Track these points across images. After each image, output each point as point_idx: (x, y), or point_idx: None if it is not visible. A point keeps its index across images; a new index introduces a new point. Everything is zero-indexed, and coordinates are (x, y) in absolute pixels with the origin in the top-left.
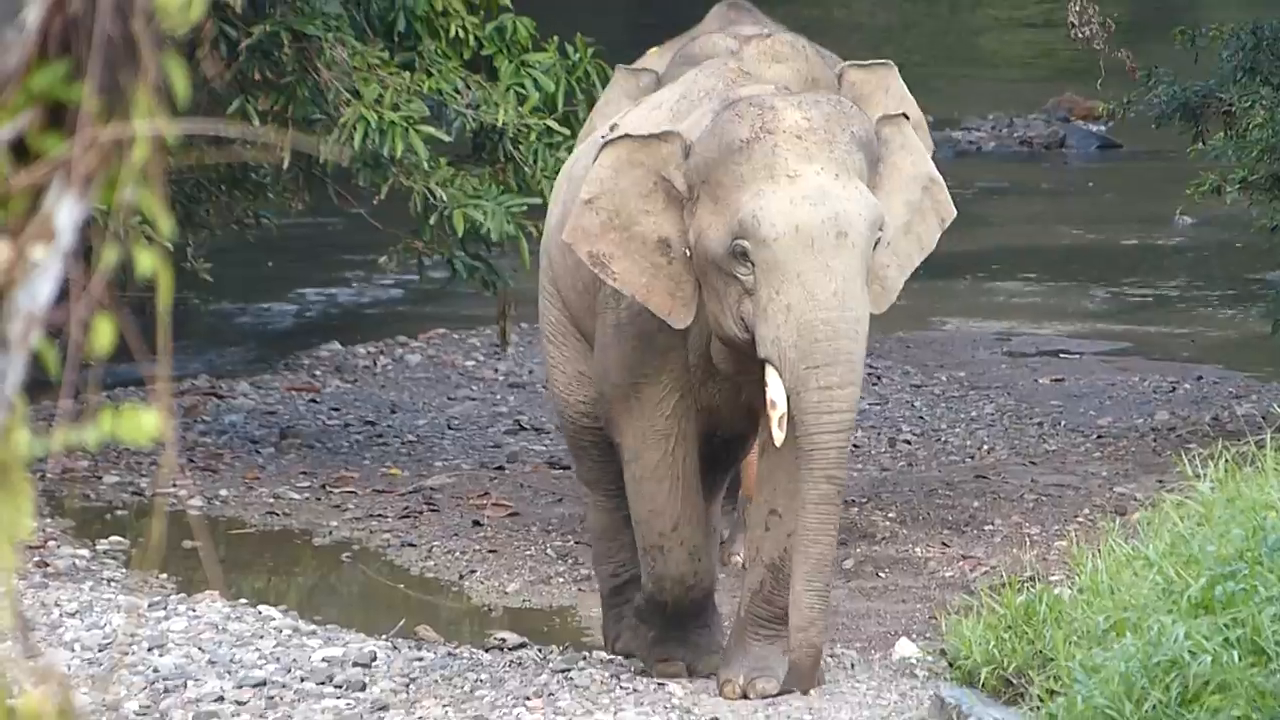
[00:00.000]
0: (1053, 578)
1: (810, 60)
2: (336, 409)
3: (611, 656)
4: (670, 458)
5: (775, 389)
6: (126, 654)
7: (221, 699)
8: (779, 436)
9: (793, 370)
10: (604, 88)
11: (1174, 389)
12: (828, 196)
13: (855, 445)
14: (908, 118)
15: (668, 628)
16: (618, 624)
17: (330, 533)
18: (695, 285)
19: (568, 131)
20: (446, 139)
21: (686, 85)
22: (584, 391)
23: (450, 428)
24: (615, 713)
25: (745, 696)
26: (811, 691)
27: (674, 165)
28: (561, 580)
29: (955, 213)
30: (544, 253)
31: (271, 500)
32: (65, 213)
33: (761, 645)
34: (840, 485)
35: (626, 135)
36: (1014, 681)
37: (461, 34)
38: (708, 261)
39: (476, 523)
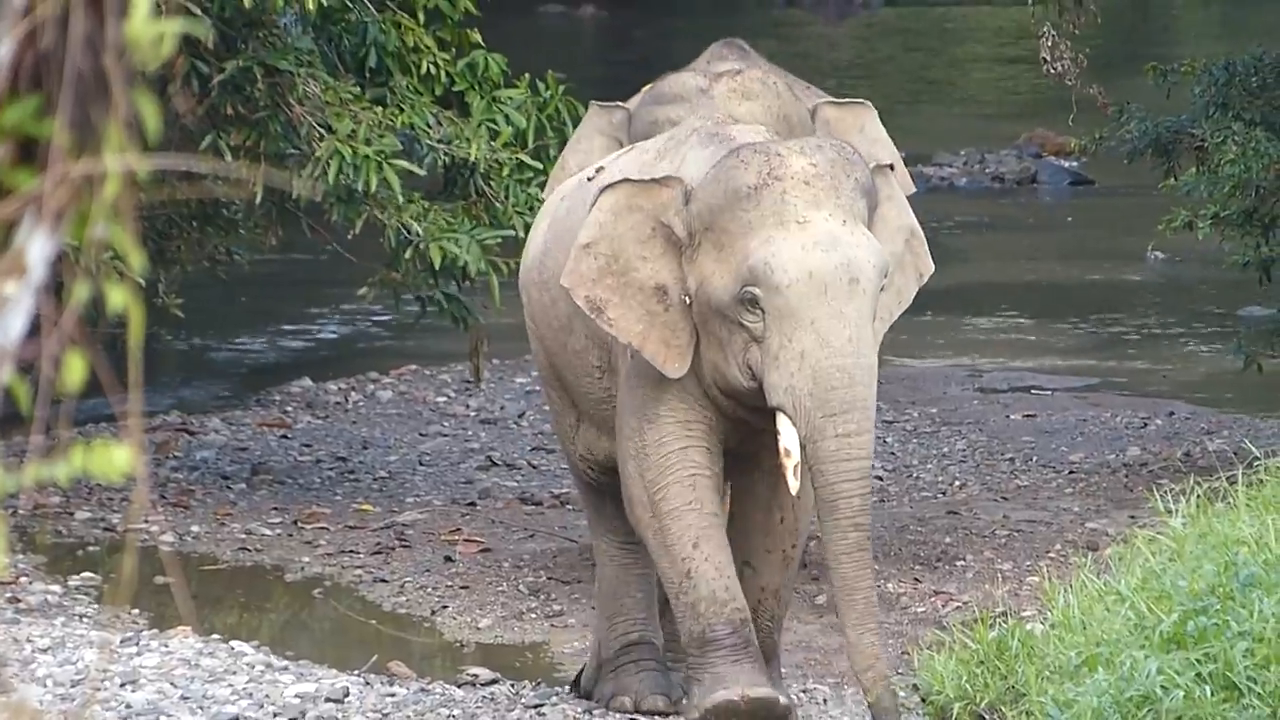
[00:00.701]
0: (1025, 613)
1: (781, 96)
2: (308, 445)
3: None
4: (689, 492)
5: (789, 438)
6: (99, 690)
7: None
8: (794, 485)
9: (808, 418)
10: (574, 124)
11: (1146, 425)
12: (839, 243)
13: None
14: (892, 168)
15: (719, 668)
16: (616, 681)
17: (302, 568)
18: (692, 333)
19: (540, 166)
20: (421, 173)
21: (675, 128)
22: (581, 439)
23: (422, 464)
24: None
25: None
26: None
27: (674, 211)
28: (534, 616)
29: (933, 268)
30: (523, 289)
31: (243, 536)
32: (36, 248)
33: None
34: (867, 531)
35: (626, 180)
36: (986, 717)
37: (433, 70)
38: (710, 309)
39: (448, 558)
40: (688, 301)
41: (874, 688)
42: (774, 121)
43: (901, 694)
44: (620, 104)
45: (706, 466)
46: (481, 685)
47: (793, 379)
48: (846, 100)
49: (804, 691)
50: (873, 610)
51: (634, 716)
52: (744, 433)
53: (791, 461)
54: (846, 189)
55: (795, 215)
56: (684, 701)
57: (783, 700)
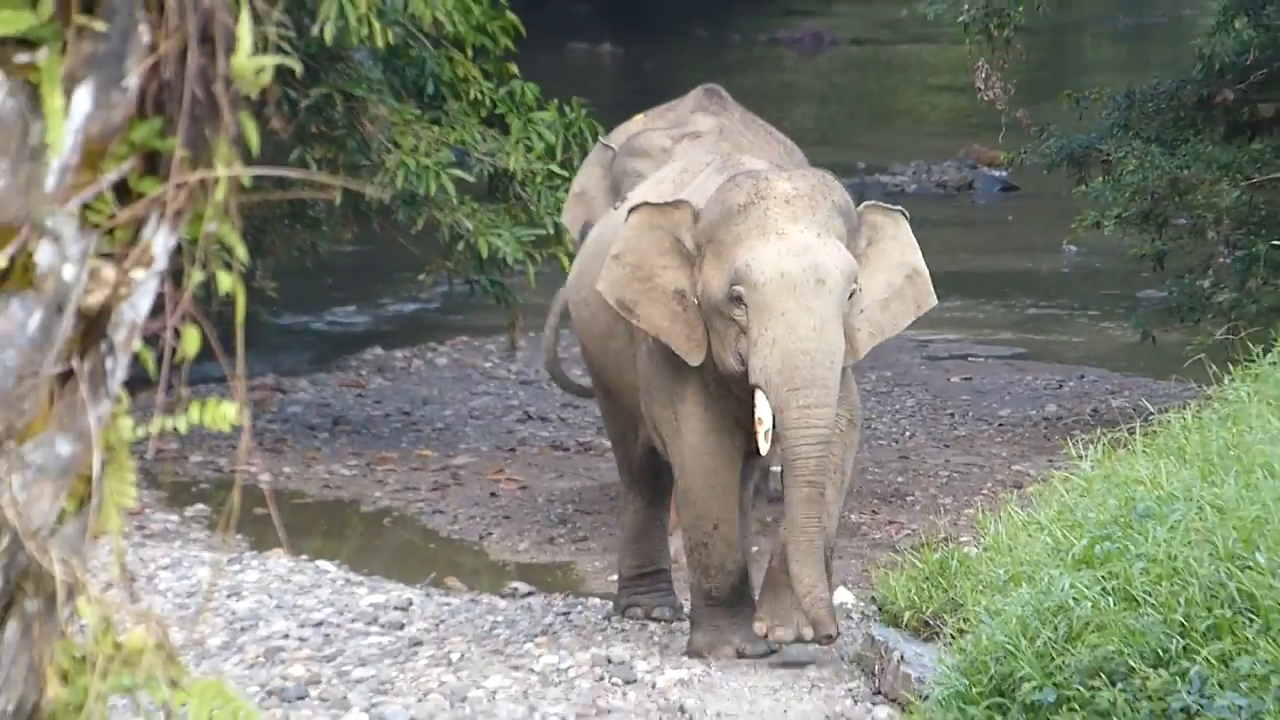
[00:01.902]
0: (962, 539)
1: (703, 147)
2: (379, 401)
3: (604, 603)
4: (712, 471)
5: (762, 408)
6: (210, 600)
7: (287, 636)
8: (764, 448)
9: (777, 392)
10: (594, 140)
11: (1061, 386)
12: (809, 250)
13: None
14: (905, 214)
15: (719, 620)
16: (631, 596)
17: (374, 502)
18: (705, 329)
19: (566, 175)
20: (470, 180)
21: (687, 160)
22: (641, 437)
23: (471, 417)
24: (607, 647)
25: (765, 636)
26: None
27: (685, 228)
28: (563, 540)
29: (935, 302)
30: (571, 309)
31: (326, 475)
32: (160, 241)
33: (784, 599)
34: (820, 487)
35: (647, 203)
36: (931, 623)
37: (479, 96)
38: (711, 307)
39: (493, 494)
40: (696, 302)
41: (812, 608)
42: (683, 169)
43: (860, 604)
44: (611, 145)
45: (727, 447)
46: (520, 597)
47: (766, 360)
48: (888, 206)
49: None
50: (815, 550)
51: (644, 622)
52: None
53: (763, 428)
54: (823, 209)
55: (775, 228)
56: (627, 597)
57: (804, 634)
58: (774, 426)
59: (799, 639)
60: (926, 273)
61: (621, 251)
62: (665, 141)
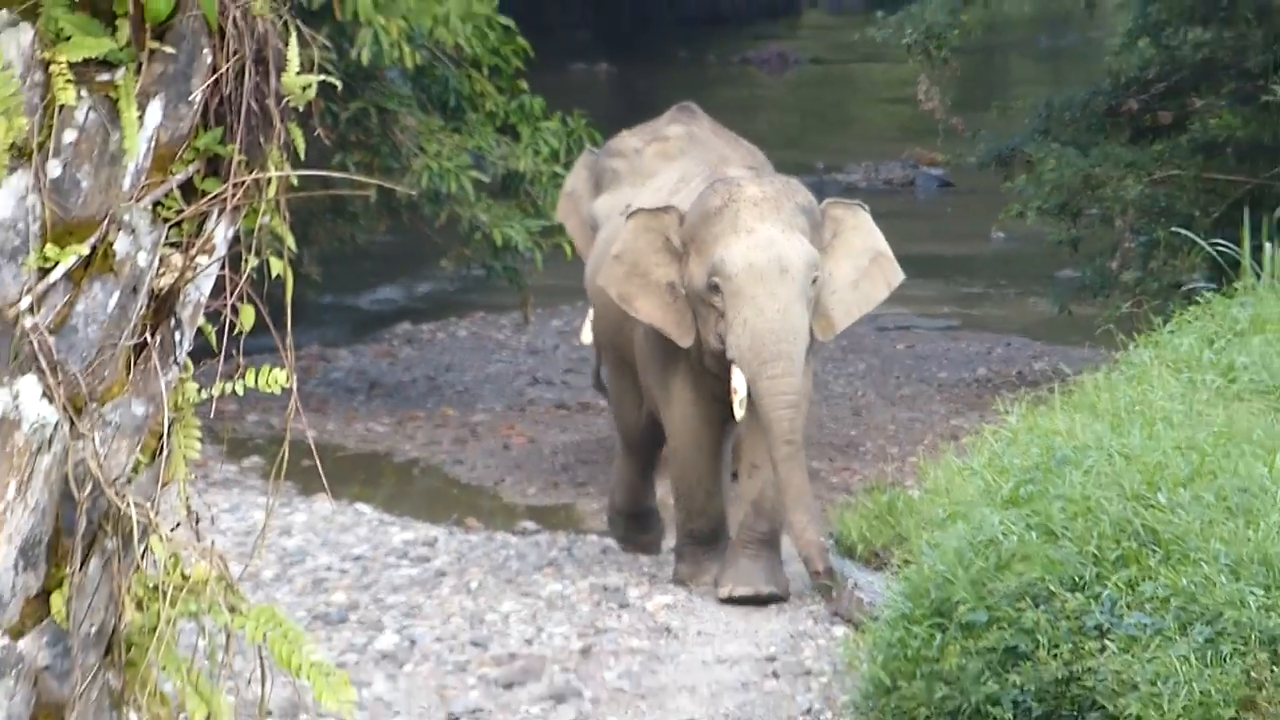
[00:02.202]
0: (907, 483)
1: (694, 159)
2: (408, 368)
3: (601, 539)
4: (697, 434)
5: (737, 380)
6: (264, 538)
7: (330, 569)
8: (740, 413)
9: (749, 366)
10: (593, 144)
11: (991, 352)
12: (774, 244)
13: None
14: (865, 208)
15: (701, 555)
16: (622, 531)
17: (404, 454)
18: (693, 315)
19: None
20: (486, 180)
21: (682, 170)
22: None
23: (487, 381)
24: (604, 576)
25: (729, 598)
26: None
27: (673, 230)
28: (565, 486)
29: (903, 277)
30: (591, 299)
31: (364, 431)
32: (220, 233)
33: (747, 561)
34: (796, 445)
35: (642, 209)
36: (880, 554)
37: (494, 109)
38: (695, 296)
39: (506, 447)
40: (684, 293)
41: (806, 548)
42: (679, 179)
43: (826, 540)
44: (595, 150)
45: (711, 418)
46: (529, 534)
47: (739, 339)
48: (848, 201)
49: None
50: (804, 497)
51: (635, 555)
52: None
53: (738, 396)
54: (787, 209)
55: (746, 226)
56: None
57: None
58: (748, 396)
59: (756, 596)
60: (890, 253)
61: (620, 252)
62: (637, 143)
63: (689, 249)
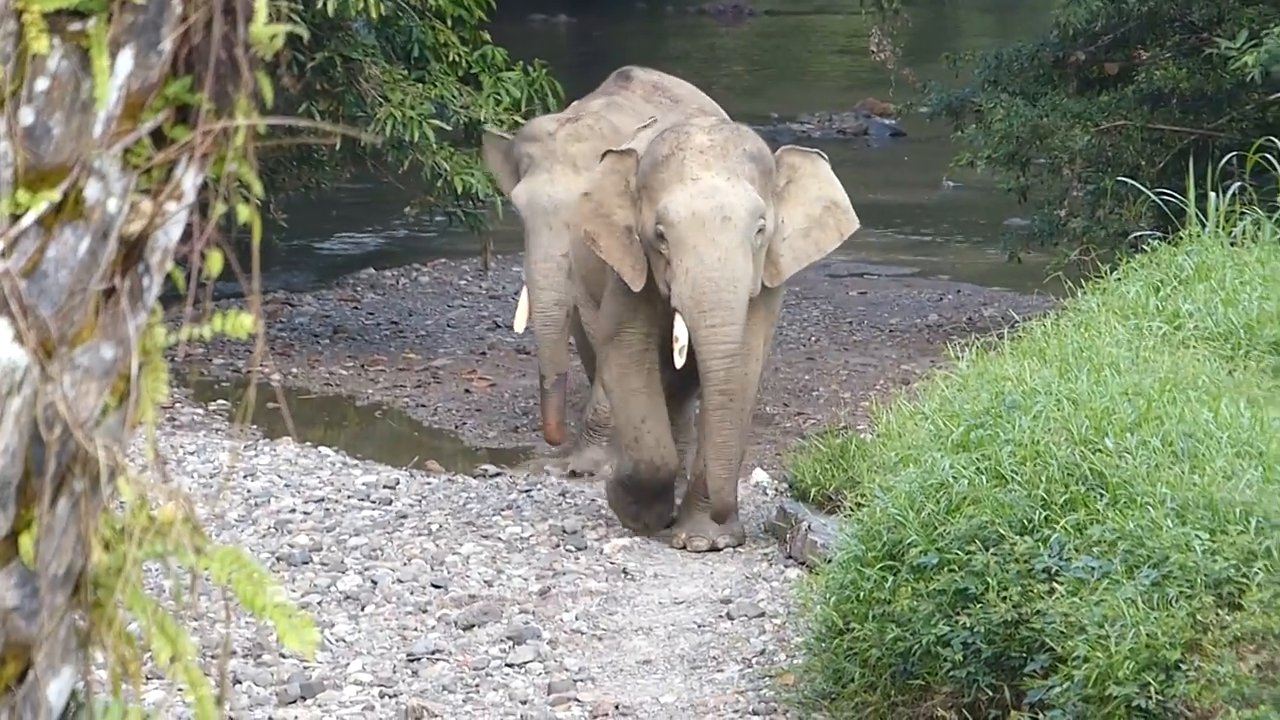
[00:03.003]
0: (859, 427)
1: (604, 135)
2: (371, 314)
3: (560, 482)
4: (643, 379)
5: (679, 328)
6: (229, 480)
7: (294, 510)
8: (680, 361)
9: (690, 314)
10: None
11: (942, 299)
12: (717, 192)
13: None
14: (824, 156)
15: (639, 501)
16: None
17: (367, 397)
18: (645, 260)
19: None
20: (448, 129)
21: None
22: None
23: (449, 326)
24: (562, 519)
25: (684, 548)
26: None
27: (632, 174)
28: (525, 430)
29: (857, 226)
30: (572, 244)
31: (327, 375)
32: (189, 180)
33: (701, 513)
34: (730, 395)
35: (610, 150)
36: (833, 498)
37: (457, 59)
38: (647, 242)
39: (467, 391)
40: (639, 238)
41: (717, 504)
42: (595, 158)
43: (774, 482)
44: (506, 136)
45: (657, 363)
46: (490, 476)
47: (681, 286)
48: (806, 149)
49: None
50: (728, 449)
51: (593, 499)
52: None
53: (679, 344)
54: (734, 156)
55: (690, 174)
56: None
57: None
58: (689, 343)
59: (713, 547)
60: (846, 203)
61: (590, 191)
62: (551, 126)
63: (642, 195)
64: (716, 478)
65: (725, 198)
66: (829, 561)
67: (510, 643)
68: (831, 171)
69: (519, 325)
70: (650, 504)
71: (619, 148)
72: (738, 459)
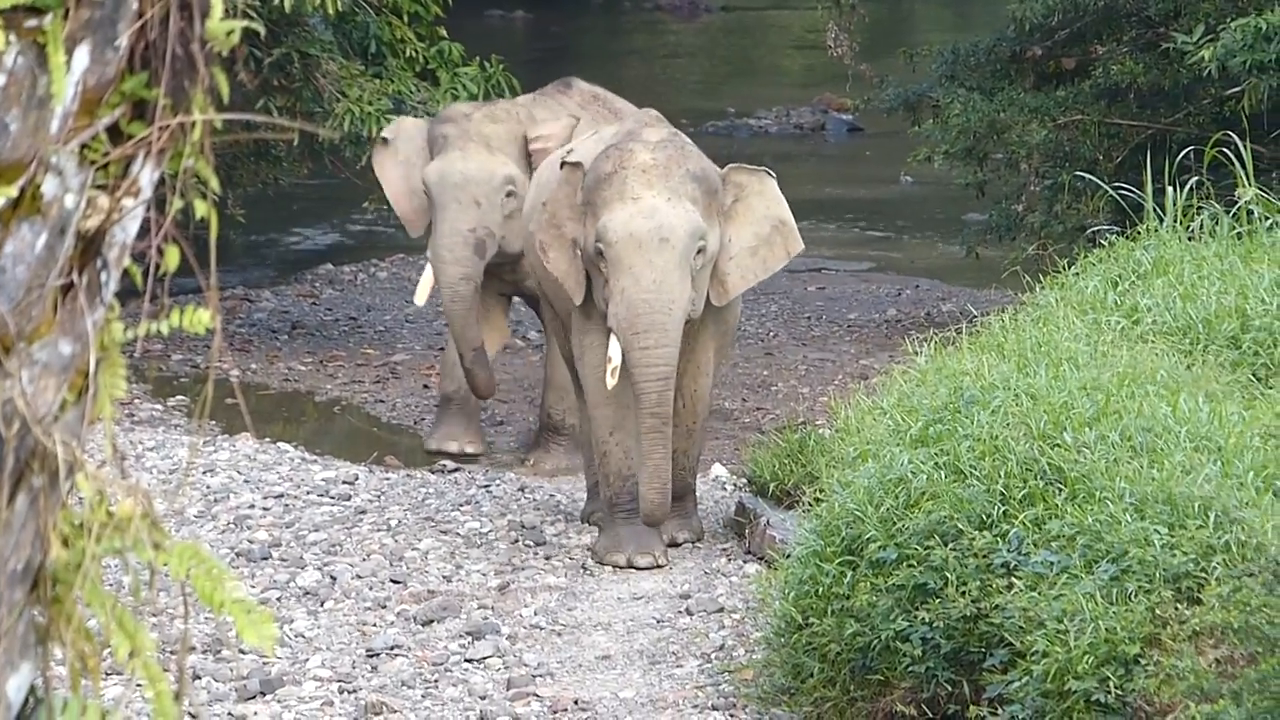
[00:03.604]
0: (818, 422)
1: (521, 120)
2: (330, 309)
3: (518, 478)
4: (610, 392)
5: (613, 348)
6: (188, 475)
7: (253, 506)
8: (611, 383)
9: (624, 335)
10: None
11: (900, 294)
12: (657, 213)
13: None
14: (771, 174)
15: (617, 529)
16: (594, 504)
17: (326, 393)
18: (586, 275)
19: None
20: None
21: (619, 130)
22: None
23: (407, 321)
24: (521, 515)
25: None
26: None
27: (580, 187)
28: (484, 424)
29: (802, 247)
30: (527, 252)
31: (286, 371)
32: (146, 175)
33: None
34: (663, 416)
35: (567, 161)
36: (792, 493)
37: (414, 54)
38: (588, 258)
39: (425, 386)
40: (580, 253)
41: (649, 521)
42: (507, 140)
43: (733, 477)
44: (419, 120)
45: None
46: (448, 472)
47: (617, 307)
48: (754, 168)
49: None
50: (661, 475)
51: (552, 494)
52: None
53: (611, 365)
54: (676, 175)
55: (632, 193)
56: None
57: (660, 561)
58: (623, 365)
59: (654, 565)
60: (792, 222)
61: (547, 200)
62: (467, 109)
63: (587, 210)
64: (649, 500)
65: (664, 218)
66: (788, 557)
67: (469, 638)
68: (778, 190)
69: (419, 299)
70: (629, 533)
71: (570, 158)
72: (667, 480)
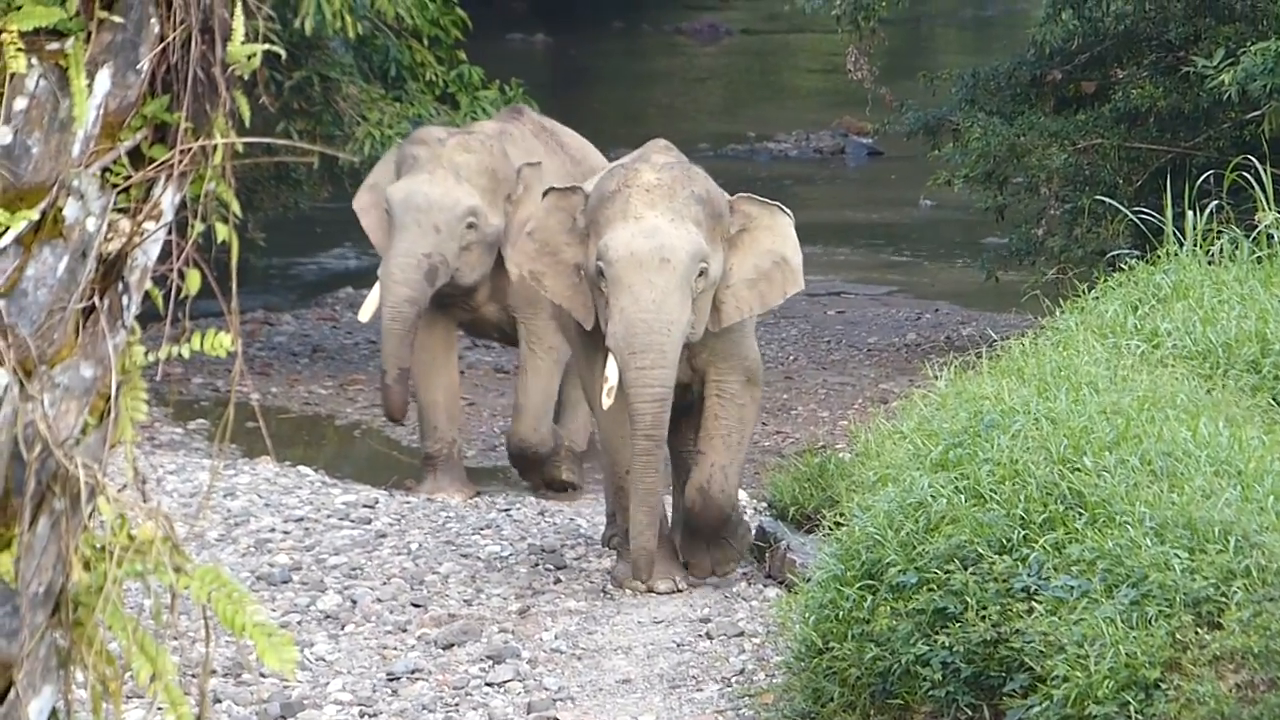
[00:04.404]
0: (838, 446)
1: (493, 154)
2: (350, 333)
3: (538, 501)
4: (624, 422)
5: (610, 369)
6: (209, 499)
7: (274, 530)
8: (607, 403)
9: (620, 355)
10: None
11: (920, 317)
12: (658, 233)
13: None
14: (786, 211)
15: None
16: (614, 527)
17: (346, 417)
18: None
19: None
20: None
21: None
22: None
23: None
24: (541, 539)
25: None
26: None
27: (580, 211)
28: (503, 448)
29: (803, 286)
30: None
31: (307, 394)
32: (168, 199)
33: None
34: (657, 440)
35: (553, 188)
36: (812, 517)
37: (434, 78)
38: (590, 279)
39: None
40: (584, 275)
41: (636, 551)
42: (479, 170)
43: (753, 501)
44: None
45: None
46: (468, 497)
47: (615, 326)
48: (766, 201)
49: None
50: (651, 497)
51: (572, 518)
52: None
53: (607, 385)
54: (680, 197)
55: (634, 213)
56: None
57: (680, 586)
58: (618, 385)
59: (674, 590)
60: (795, 262)
61: (533, 229)
62: (441, 134)
63: (590, 231)
64: (637, 523)
65: (666, 238)
66: (808, 580)
67: (490, 662)
68: (790, 228)
69: (364, 316)
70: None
71: (559, 185)
72: (658, 504)
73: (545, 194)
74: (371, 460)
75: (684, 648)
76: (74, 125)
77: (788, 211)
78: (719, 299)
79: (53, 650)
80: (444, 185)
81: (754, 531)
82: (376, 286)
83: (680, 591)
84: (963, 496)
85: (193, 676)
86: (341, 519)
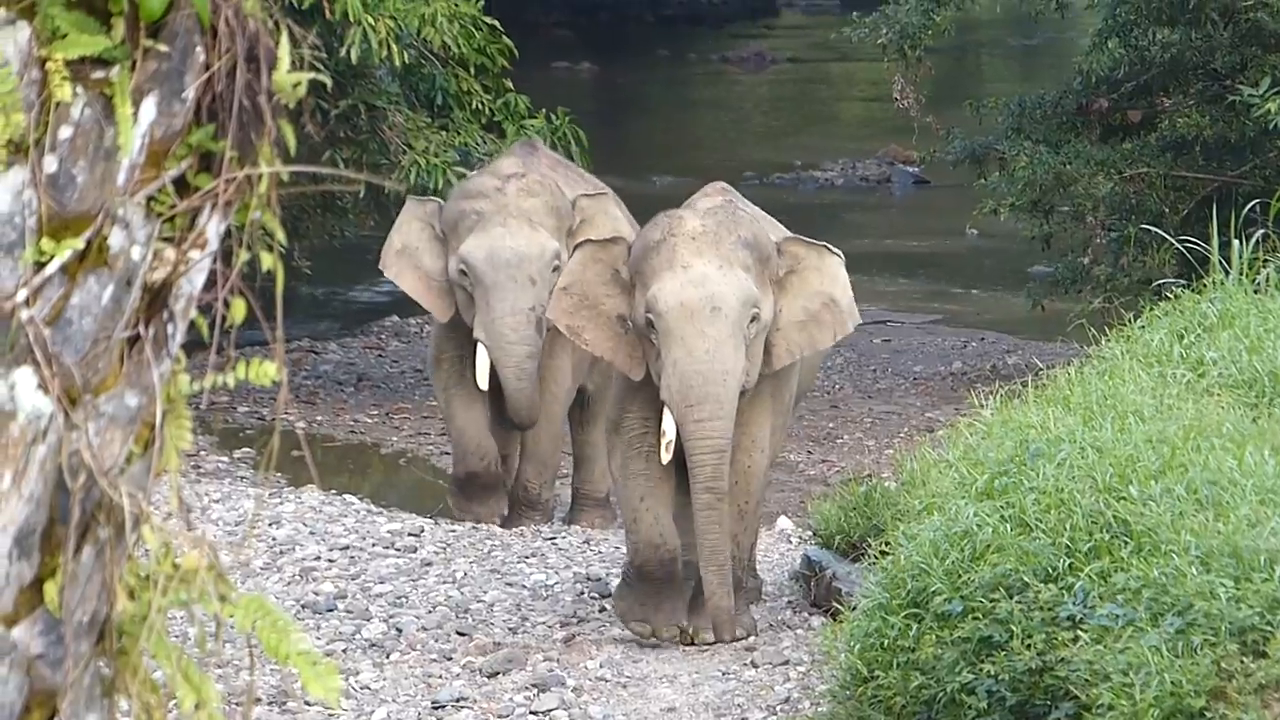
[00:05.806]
0: (883, 475)
1: (554, 192)
2: (395, 361)
3: (584, 530)
4: (642, 463)
5: (667, 422)
6: (254, 528)
7: (318, 558)
8: (666, 457)
9: (677, 408)
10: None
11: (965, 346)
12: (707, 281)
13: None
14: (836, 253)
15: (646, 600)
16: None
17: (392, 445)
18: (641, 348)
19: None
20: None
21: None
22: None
23: None
24: (586, 567)
25: (692, 642)
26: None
27: (622, 262)
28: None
29: (851, 329)
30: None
31: (352, 423)
32: (213, 227)
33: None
34: (719, 493)
35: (589, 240)
36: (857, 545)
37: (480, 106)
38: (639, 330)
39: None
40: (631, 326)
41: (713, 611)
42: (546, 213)
43: (798, 530)
44: (435, 199)
45: (657, 446)
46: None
47: (669, 379)
48: (813, 242)
49: None
50: (720, 552)
51: (617, 547)
52: None
53: (665, 439)
54: (726, 243)
55: (681, 261)
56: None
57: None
58: (677, 438)
59: (678, 638)
60: (846, 302)
61: (568, 284)
62: (495, 182)
63: (634, 281)
64: (710, 584)
65: (716, 287)
66: (853, 609)
67: (535, 690)
68: (840, 268)
69: (483, 384)
70: (657, 601)
71: (596, 237)
72: (727, 560)
73: (577, 247)
74: (417, 489)
75: (729, 676)
76: (119, 154)
77: (836, 251)
78: (770, 342)
79: (97, 679)
80: (524, 235)
81: (799, 560)
82: (481, 351)
83: (690, 644)
84: (1008, 525)
85: (237, 705)
86: (387, 547)
